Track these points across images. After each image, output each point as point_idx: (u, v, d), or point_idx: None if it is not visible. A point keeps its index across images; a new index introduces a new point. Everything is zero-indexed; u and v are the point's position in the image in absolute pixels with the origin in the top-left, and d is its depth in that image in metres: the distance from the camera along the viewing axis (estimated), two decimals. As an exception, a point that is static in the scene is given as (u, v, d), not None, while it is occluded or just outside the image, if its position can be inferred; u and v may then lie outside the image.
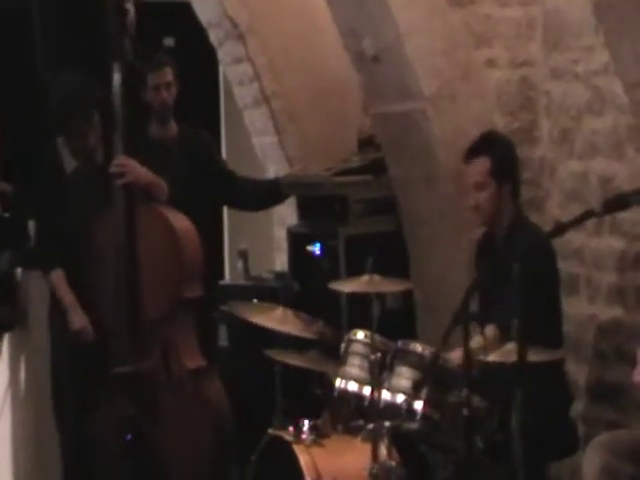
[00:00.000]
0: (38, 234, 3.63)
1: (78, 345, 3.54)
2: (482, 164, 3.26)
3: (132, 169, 3.48)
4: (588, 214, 2.58)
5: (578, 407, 3.41)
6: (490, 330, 3.01)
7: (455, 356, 2.94)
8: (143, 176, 3.50)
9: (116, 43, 3.45)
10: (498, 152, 3.29)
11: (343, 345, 3.22)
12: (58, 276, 3.56)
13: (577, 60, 3.55)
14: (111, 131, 3.51)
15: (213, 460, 3.46)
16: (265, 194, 4.12)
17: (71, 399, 3.56)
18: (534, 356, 2.62)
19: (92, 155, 3.63)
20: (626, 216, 3.26)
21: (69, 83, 3.63)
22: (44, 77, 4.23)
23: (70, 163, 3.65)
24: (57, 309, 3.60)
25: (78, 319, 3.53)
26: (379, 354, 3.03)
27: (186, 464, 3.42)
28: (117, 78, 3.45)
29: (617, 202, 2.58)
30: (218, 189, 3.96)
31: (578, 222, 2.62)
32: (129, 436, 3.34)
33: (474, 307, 3.03)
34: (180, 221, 3.51)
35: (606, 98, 3.41)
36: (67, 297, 3.55)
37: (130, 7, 3.48)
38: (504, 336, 2.84)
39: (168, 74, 3.84)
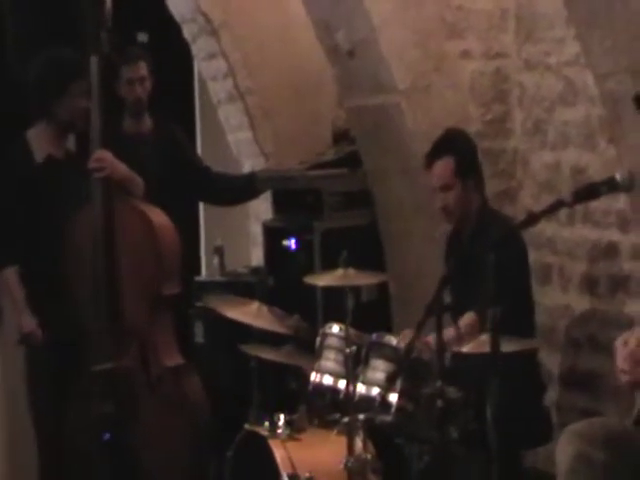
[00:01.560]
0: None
1: (29, 347, 3.50)
2: (446, 165, 3.26)
3: (110, 163, 3.46)
4: (558, 204, 2.59)
5: (552, 395, 3.43)
6: (468, 317, 3.01)
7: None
8: (120, 170, 3.48)
9: (94, 35, 3.42)
10: (460, 150, 3.29)
11: (318, 339, 3.22)
12: (11, 273, 3.51)
13: (549, 52, 3.57)
14: (88, 123, 3.47)
15: (190, 457, 3.45)
16: (240, 189, 4.11)
17: (48, 397, 3.52)
18: (507, 346, 2.63)
19: (81, 125, 3.52)
20: (598, 206, 3.28)
21: (57, 53, 3.58)
22: (15, 69, 4.18)
23: (41, 154, 3.57)
24: (32, 308, 3.57)
25: (27, 322, 3.48)
26: (354, 347, 3.03)
27: (164, 462, 3.41)
28: (94, 70, 3.42)
29: (587, 192, 2.59)
30: (193, 184, 3.95)
31: (549, 212, 2.62)
32: (107, 435, 3.31)
33: (447, 299, 3.04)
34: (158, 216, 3.48)
35: (578, 89, 3.43)
36: (18, 298, 3.50)
37: None
38: (482, 323, 2.85)
39: (142, 68, 3.81)
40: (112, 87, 3.78)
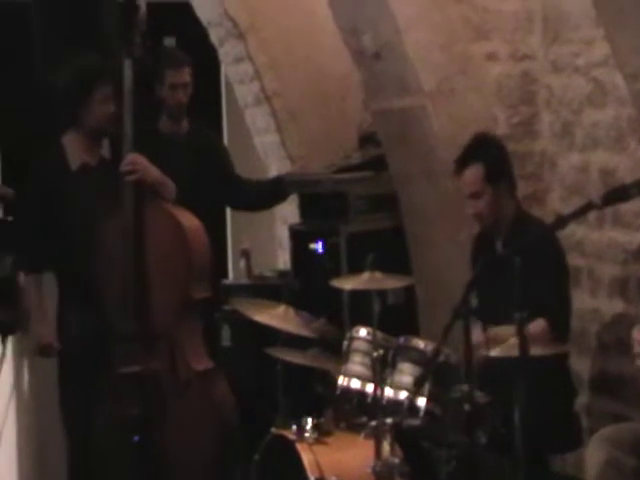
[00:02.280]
0: (24, 233, 3.60)
1: (45, 357, 3.53)
2: (475, 172, 3.23)
3: (142, 167, 3.47)
4: (588, 206, 2.57)
5: (582, 400, 3.40)
6: (538, 324, 2.96)
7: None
8: (152, 174, 3.49)
9: (127, 39, 3.44)
10: (489, 155, 3.26)
11: (345, 342, 3.21)
12: (28, 281, 3.53)
13: (577, 53, 3.54)
14: (120, 125, 3.49)
15: (218, 460, 3.45)
16: (268, 194, 4.12)
17: (77, 401, 3.54)
18: (539, 350, 2.60)
19: (110, 130, 3.54)
20: (628, 208, 3.25)
21: (83, 58, 3.60)
22: (44, 76, 4.22)
23: (75, 161, 3.62)
24: (63, 312, 3.59)
25: (45, 334, 3.51)
26: (381, 351, 3.02)
27: (191, 465, 3.42)
28: (128, 75, 3.44)
29: (617, 194, 2.57)
30: (221, 190, 3.95)
31: (578, 214, 2.61)
32: (136, 437, 3.33)
33: (474, 302, 3.02)
34: (189, 220, 3.48)
35: (607, 90, 3.40)
36: (34, 307, 3.53)
37: (141, 3, 3.48)
38: (554, 329, 2.79)
39: (186, 74, 3.83)
40: (152, 88, 3.80)
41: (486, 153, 3.27)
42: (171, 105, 3.85)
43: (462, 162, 3.28)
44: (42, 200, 3.58)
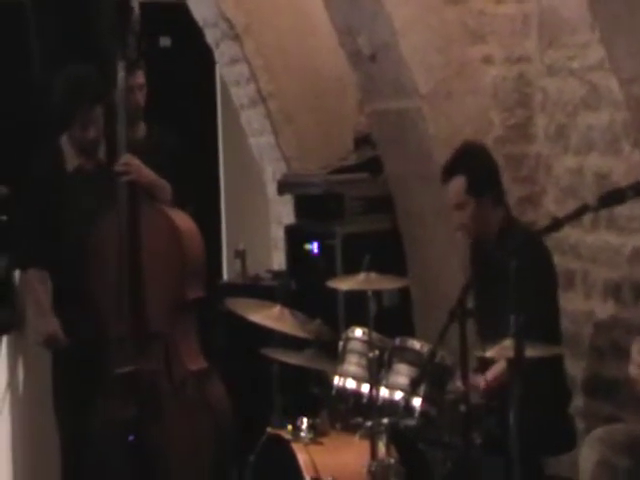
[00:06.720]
0: (23, 231, 3.60)
1: (53, 350, 3.52)
2: (457, 184, 3.21)
3: (136, 168, 3.49)
4: (583, 209, 2.59)
5: (576, 402, 3.41)
6: (499, 366, 3.00)
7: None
8: (146, 175, 3.51)
9: (121, 41, 3.46)
10: (472, 167, 3.23)
11: (341, 343, 3.22)
12: (34, 275, 3.53)
13: (572, 56, 3.56)
14: (113, 129, 3.51)
15: (213, 461, 3.46)
16: None
17: (72, 400, 3.55)
18: (531, 352, 2.62)
19: (94, 150, 3.60)
20: (622, 211, 3.27)
21: (75, 73, 3.62)
22: (40, 75, 4.22)
23: (73, 162, 3.62)
24: (57, 312, 3.59)
25: (51, 324, 3.50)
26: (377, 351, 3.04)
27: (186, 465, 3.43)
28: (122, 76, 3.46)
29: (612, 197, 2.59)
30: None
31: (574, 217, 2.62)
32: (131, 437, 3.33)
33: (470, 304, 3.04)
34: (183, 221, 3.51)
35: (602, 94, 3.42)
36: (41, 300, 3.52)
37: (135, 4, 3.49)
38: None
39: (141, 76, 3.77)
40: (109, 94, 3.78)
41: (470, 165, 3.24)
42: (129, 108, 3.82)
43: (447, 173, 3.26)
44: (39, 199, 3.58)
